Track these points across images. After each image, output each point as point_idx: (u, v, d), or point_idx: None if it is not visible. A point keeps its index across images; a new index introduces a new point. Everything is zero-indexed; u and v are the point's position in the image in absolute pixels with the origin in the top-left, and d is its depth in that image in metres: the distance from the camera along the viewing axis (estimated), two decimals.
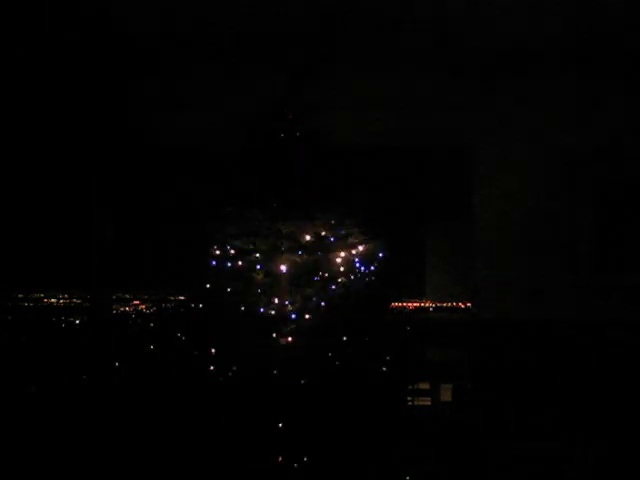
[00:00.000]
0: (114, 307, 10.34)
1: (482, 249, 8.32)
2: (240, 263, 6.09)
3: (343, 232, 6.26)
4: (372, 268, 6.36)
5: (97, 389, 8.20)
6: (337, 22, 6.85)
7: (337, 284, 6.08)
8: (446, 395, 10.13)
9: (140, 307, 12.35)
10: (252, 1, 6.47)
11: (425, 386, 10.37)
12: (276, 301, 5.93)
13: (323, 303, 5.92)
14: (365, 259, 6.33)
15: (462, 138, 8.54)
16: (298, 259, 5.99)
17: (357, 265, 6.28)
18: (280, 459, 5.65)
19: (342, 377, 5.83)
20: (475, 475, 7.05)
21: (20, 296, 11.47)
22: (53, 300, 11.88)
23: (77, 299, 11.87)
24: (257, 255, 6.05)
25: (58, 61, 8.00)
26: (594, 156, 8.29)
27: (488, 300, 8.25)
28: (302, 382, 5.71)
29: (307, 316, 5.87)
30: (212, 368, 5.90)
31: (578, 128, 8.34)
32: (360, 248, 6.29)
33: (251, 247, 6.07)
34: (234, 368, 5.84)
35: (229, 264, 6.12)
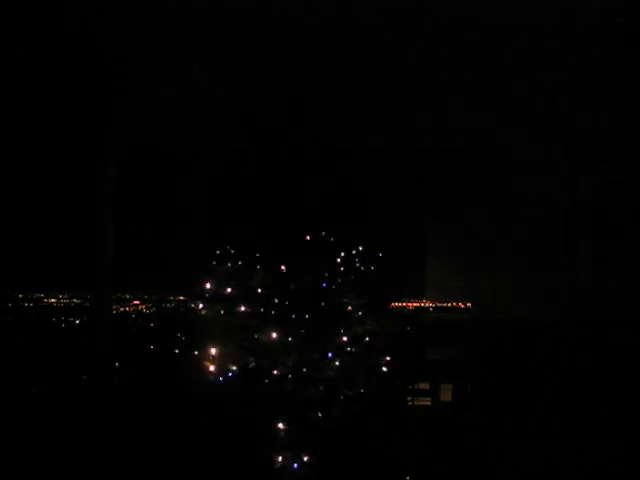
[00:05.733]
0: (114, 307, 10.33)
1: (482, 249, 8.31)
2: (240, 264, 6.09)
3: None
4: (372, 268, 6.36)
5: (97, 389, 8.20)
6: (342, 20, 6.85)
7: (337, 284, 6.07)
8: (446, 395, 10.13)
9: (140, 307, 12.35)
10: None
11: (425, 386, 10.37)
12: (276, 301, 5.92)
13: (323, 303, 5.91)
14: (365, 258, 6.33)
15: (463, 139, 8.53)
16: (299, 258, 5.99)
17: (357, 265, 6.28)
18: (280, 459, 5.65)
19: (341, 377, 5.83)
20: (475, 475, 7.05)
21: (20, 296, 11.47)
22: (53, 300, 11.88)
23: (77, 299, 11.88)
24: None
25: (59, 59, 7.99)
26: (595, 156, 8.28)
27: (488, 300, 8.24)
28: (302, 382, 5.71)
29: (307, 316, 5.86)
30: (212, 368, 5.89)
31: (579, 128, 8.33)
32: (360, 248, 6.28)
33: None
34: (234, 368, 5.83)
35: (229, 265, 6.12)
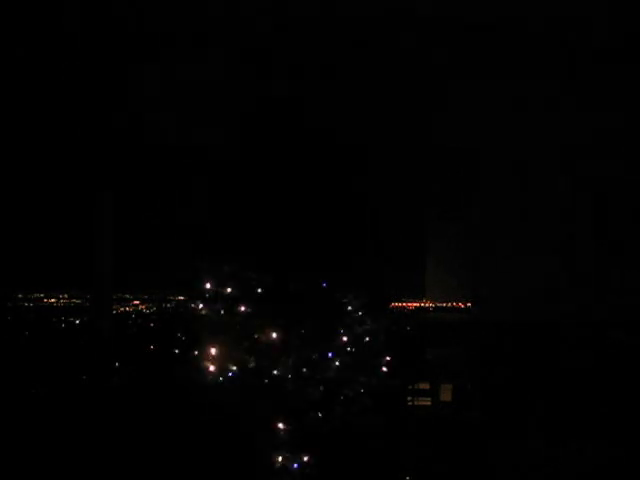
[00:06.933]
0: (114, 307, 10.33)
1: (482, 249, 8.31)
2: None
3: None
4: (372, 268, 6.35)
5: (97, 389, 8.20)
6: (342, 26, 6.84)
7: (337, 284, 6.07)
8: (446, 395, 10.12)
9: (140, 307, 12.36)
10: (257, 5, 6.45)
11: (425, 386, 10.37)
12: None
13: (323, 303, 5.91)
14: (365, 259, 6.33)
15: (463, 139, 8.53)
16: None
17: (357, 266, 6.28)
18: (280, 459, 5.65)
19: (342, 377, 5.83)
20: (475, 474, 7.05)
21: (20, 296, 11.46)
22: (53, 300, 11.89)
23: (77, 299, 11.88)
24: None
25: (58, 57, 7.99)
26: (594, 156, 8.28)
27: (488, 300, 8.25)
28: (302, 382, 5.71)
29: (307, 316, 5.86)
30: (212, 368, 5.89)
31: (579, 129, 8.33)
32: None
33: None
34: (234, 368, 5.83)
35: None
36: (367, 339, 6.05)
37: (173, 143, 9.18)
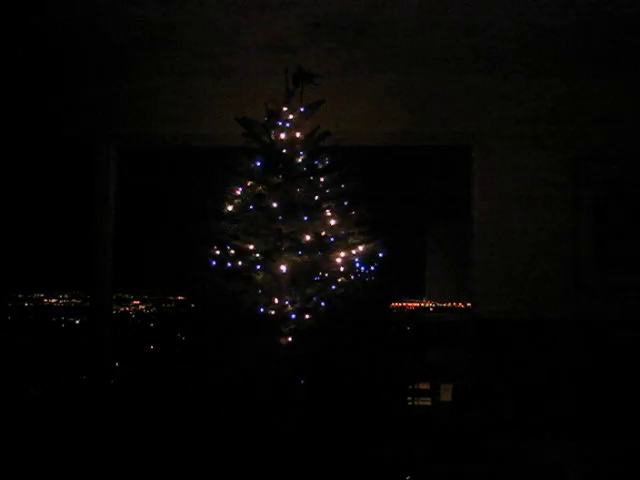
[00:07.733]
0: (114, 307, 10.35)
1: (482, 249, 8.31)
2: (240, 263, 6.08)
3: (343, 232, 6.25)
4: (372, 268, 6.35)
5: (97, 389, 8.21)
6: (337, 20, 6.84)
7: (337, 284, 6.07)
8: (446, 395, 10.14)
9: (140, 307, 12.38)
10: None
11: (425, 386, 10.38)
12: (276, 301, 5.92)
13: (323, 303, 5.91)
14: (365, 259, 6.32)
15: (462, 138, 8.53)
16: (298, 259, 5.98)
17: (357, 265, 6.28)
18: (279, 459, 5.65)
19: (341, 377, 5.83)
20: (475, 474, 7.05)
21: (20, 296, 11.48)
22: (53, 300, 11.90)
23: (77, 299, 11.89)
24: (257, 255, 6.04)
25: (52, 55, 8.00)
26: (594, 156, 8.29)
27: (488, 300, 8.25)
28: (302, 382, 5.71)
29: (307, 316, 5.86)
30: (212, 368, 5.89)
31: (578, 128, 8.34)
32: (360, 248, 6.28)
33: (251, 247, 6.06)
34: (234, 369, 5.84)
35: (229, 264, 6.11)
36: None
37: (175, 142, 9.18)
